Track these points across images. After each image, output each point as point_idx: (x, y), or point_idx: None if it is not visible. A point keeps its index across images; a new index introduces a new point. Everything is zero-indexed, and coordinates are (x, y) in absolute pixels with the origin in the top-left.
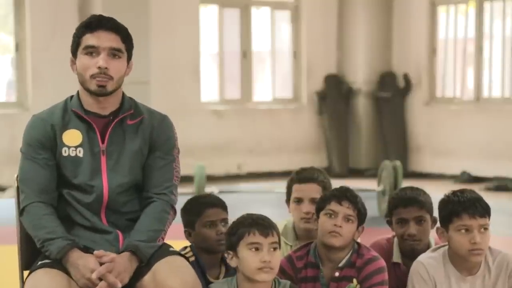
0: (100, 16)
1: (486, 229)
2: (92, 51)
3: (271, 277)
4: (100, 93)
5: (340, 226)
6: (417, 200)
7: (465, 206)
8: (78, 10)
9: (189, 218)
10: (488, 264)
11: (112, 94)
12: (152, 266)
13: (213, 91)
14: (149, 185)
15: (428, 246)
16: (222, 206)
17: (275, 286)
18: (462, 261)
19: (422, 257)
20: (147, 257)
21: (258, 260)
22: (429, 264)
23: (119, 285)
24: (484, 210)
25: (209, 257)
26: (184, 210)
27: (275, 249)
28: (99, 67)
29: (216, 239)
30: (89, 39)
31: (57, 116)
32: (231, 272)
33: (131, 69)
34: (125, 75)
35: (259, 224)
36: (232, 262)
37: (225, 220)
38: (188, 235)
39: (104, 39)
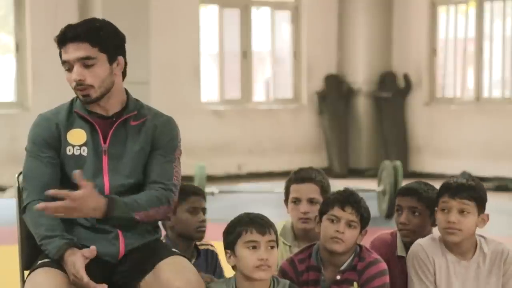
0: (66, 28)
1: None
2: (67, 66)
3: (269, 275)
4: (87, 102)
5: (343, 232)
6: (416, 191)
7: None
8: (78, 10)
9: None
10: (483, 251)
11: (112, 96)
12: (154, 266)
13: (213, 91)
14: (149, 181)
15: None
16: (203, 196)
17: (274, 285)
18: (454, 246)
19: (420, 240)
20: (112, 215)
21: (255, 258)
22: (427, 245)
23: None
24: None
25: (185, 244)
26: None
27: (272, 247)
28: (74, 81)
29: (197, 225)
30: (63, 55)
31: (62, 116)
32: (200, 259)
33: (122, 66)
34: (113, 75)
35: (256, 222)
36: (230, 261)
37: (204, 210)
38: (167, 219)
39: (70, 52)
